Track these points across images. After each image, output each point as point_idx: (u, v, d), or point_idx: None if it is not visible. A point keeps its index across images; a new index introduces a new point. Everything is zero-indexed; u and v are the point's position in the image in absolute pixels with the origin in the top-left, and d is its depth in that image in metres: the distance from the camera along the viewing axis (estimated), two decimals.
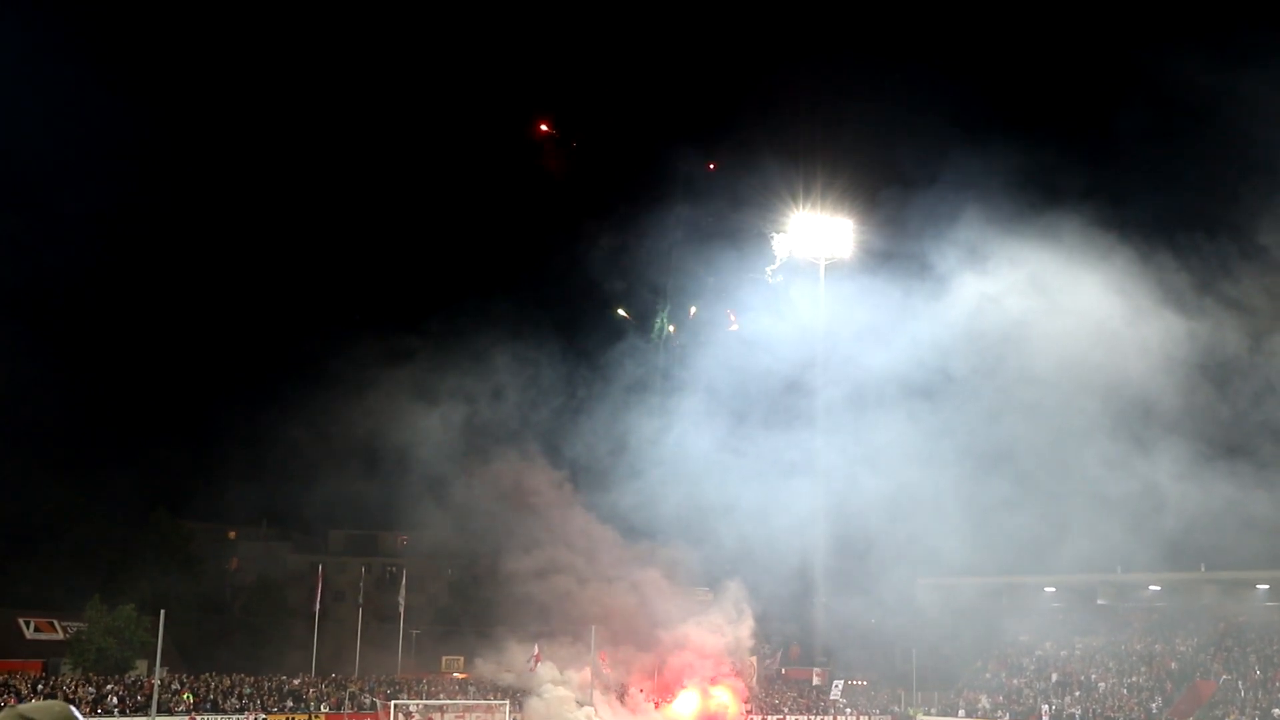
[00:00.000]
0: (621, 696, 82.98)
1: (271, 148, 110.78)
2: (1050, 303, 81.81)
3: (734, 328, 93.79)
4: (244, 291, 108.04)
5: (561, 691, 78.92)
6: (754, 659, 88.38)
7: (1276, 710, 70.65)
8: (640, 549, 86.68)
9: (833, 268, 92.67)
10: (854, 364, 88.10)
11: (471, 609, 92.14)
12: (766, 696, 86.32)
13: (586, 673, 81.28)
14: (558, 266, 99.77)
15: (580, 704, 78.99)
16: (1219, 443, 78.60)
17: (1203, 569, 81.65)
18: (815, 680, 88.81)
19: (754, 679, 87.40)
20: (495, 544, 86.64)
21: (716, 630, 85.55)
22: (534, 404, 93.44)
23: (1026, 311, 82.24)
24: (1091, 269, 79.48)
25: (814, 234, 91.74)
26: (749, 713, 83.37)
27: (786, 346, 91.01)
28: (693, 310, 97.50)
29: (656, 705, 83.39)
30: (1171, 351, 79.47)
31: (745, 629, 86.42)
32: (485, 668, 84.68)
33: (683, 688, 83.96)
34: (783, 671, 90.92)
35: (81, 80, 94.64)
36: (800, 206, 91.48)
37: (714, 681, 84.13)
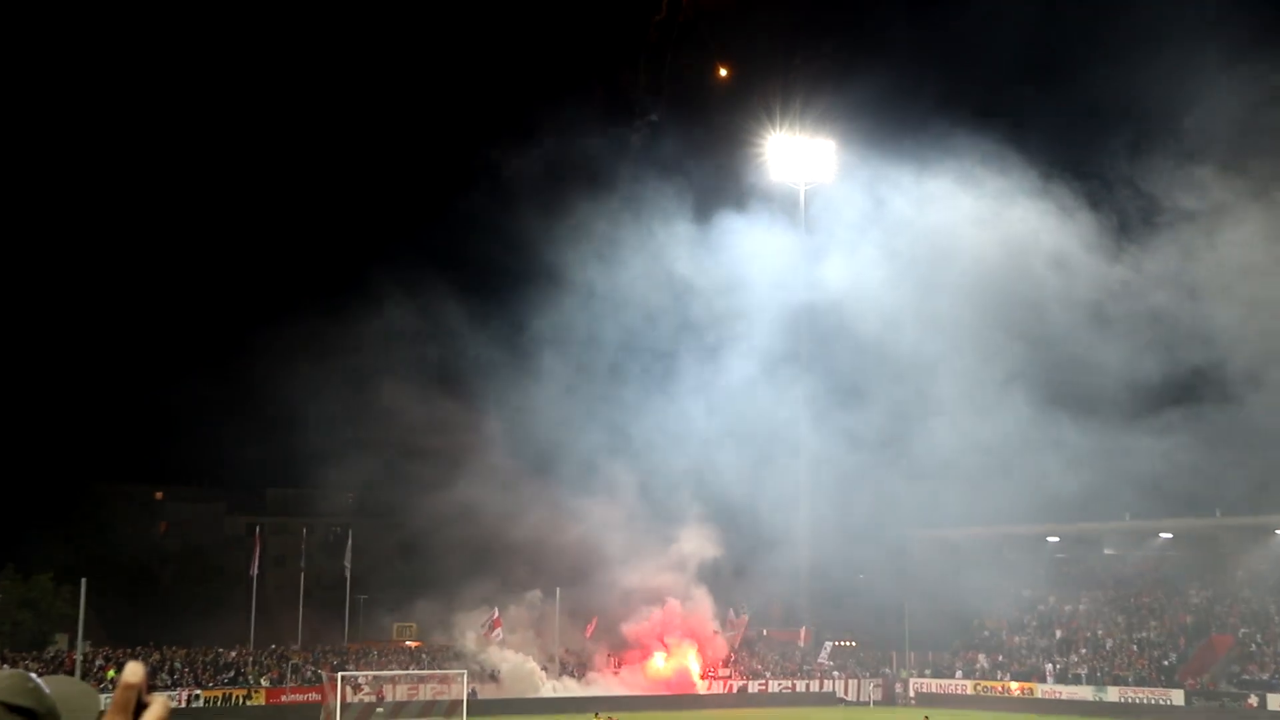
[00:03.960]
0: (578, 659, 78.79)
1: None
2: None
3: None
4: (165, 246, 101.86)
5: (503, 654, 74.78)
6: (744, 618, 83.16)
7: None
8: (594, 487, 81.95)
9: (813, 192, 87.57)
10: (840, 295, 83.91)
11: (427, 571, 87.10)
12: (748, 660, 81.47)
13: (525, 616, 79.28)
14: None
15: (498, 645, 75.28)
16: (1230, 385, 75.11)
17: (1218, 514, 77.49)
18: (800, 641, 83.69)
19: (736, 640, 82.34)
20: (443, 497, 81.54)
21: (678, 567, 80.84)
22: (484, 343, 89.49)
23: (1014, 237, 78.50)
24: None
25: (793, 157, 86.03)
26: (729, 677, 78.69)
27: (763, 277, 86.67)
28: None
29: (617, 666, 78.96)
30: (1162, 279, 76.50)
31: (702, 546, 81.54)
32: (439, 637, 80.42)
33: (642, 650, 79.60)
34: (764, 633, 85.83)
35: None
36: (778, 128, 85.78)
37: (666, 639, 79.59)
